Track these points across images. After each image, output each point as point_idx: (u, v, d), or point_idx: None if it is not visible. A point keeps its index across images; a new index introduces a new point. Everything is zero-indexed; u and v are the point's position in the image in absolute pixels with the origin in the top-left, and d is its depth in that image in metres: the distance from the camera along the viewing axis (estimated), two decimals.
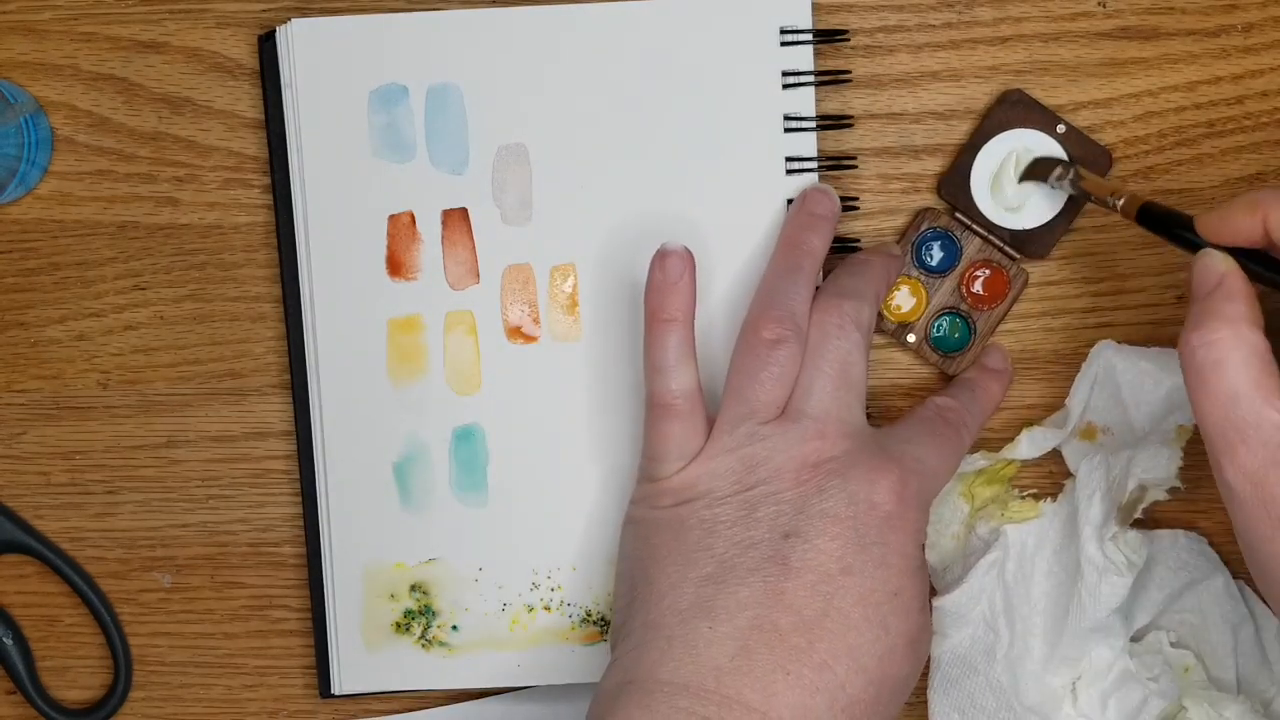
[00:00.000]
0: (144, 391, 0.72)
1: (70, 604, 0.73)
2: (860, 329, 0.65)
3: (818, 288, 0.67)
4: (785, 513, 0.62)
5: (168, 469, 0.72)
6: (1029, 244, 0.71)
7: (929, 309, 0.71)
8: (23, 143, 0.69)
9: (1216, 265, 0.59)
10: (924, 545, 0.64)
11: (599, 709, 0.62)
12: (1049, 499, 0.71)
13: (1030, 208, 0.70)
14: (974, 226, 0.70)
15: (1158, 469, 0.68)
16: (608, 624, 0.71)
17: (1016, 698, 0.70)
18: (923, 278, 0.71)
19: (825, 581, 0.61)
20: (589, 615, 0.71)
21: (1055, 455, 0.72)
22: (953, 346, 0.71)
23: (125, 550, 0.73)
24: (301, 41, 0.69)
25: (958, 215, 0.71)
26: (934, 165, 0.71)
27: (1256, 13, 0.71)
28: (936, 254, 0.71)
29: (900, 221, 0.72)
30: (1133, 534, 0.69)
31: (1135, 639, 0.71)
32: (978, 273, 0.71)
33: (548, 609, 0.71)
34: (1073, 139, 0.70)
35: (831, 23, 0.70)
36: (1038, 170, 0.69)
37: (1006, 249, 0.71)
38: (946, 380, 0.71)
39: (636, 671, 0.62)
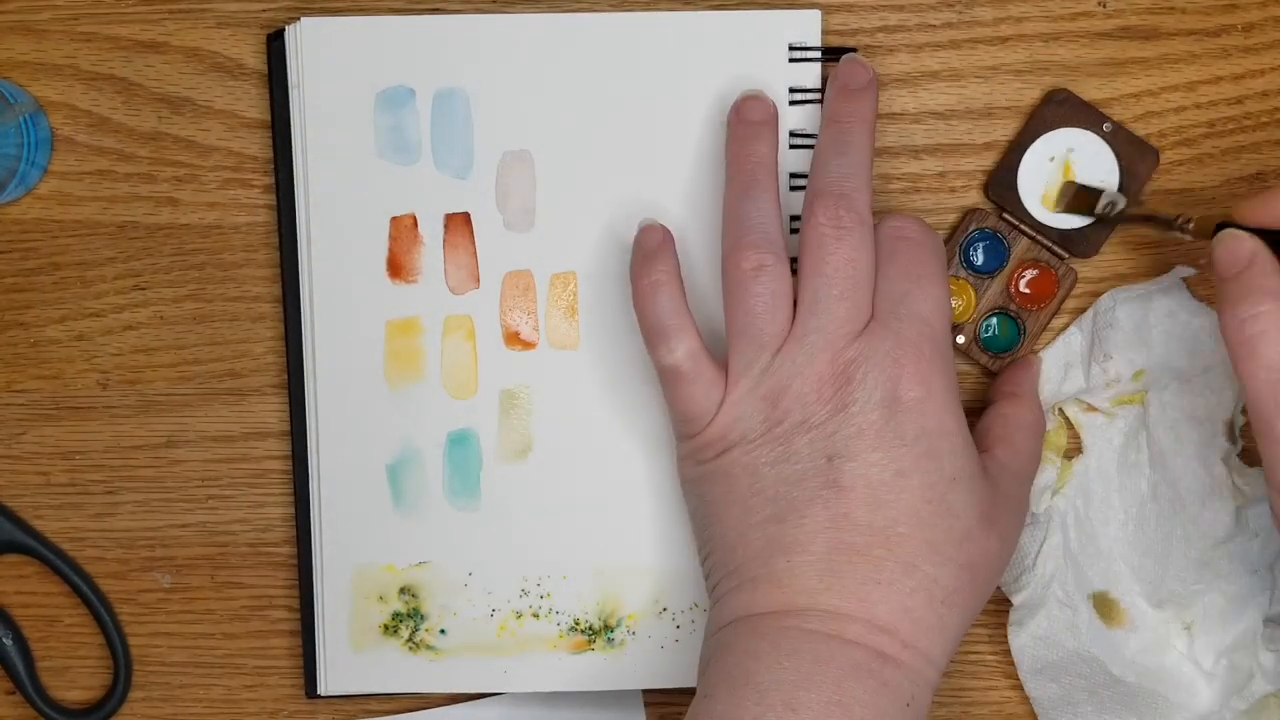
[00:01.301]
0: (144, 391, 0.72)
1: (70, 604, 0.73)
2: (858, 222, 0.64)
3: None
4: (820, 437, 0.62)
5: (167, 469, 0.72)
6: (1078, 243, 0.70)
7: (978, 309, 0.71)
8: (22, 143, 0.69)
9: (1245, 244, 0.61)
10: (960, 411, 0.64)
11: (709, 651, 0.64)
12: (1077, 456, 0.72)
13: None
14: (1022, 226, 0.70)
15: None
16: (596, 633, 0.71)
17: (1111, 662, 0.70)
18: (971, 278, 0.71)
19: (882, 490, 0.62)
20: (577, 624, 0.71)
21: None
22: (1002, 347, 0.71)
23: (125, 550, 0.73)
24: (310, 41, 0.69)
25: (1005, 216, 0.70)
26: (934, 165, 0.71)
27: (1257, 13, 0.71)
28: (981, 255, 0.71)
29: None
30: (1250, 470, 0.70)
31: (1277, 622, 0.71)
32: (1025, 272, 0.71)
33: (536, 616, 0.71)
34: (1120, 137, 0.70)
35: (832, 23, 0.70)
36: (1079, 203, 0.69)
37: (1055, 248, 0.70)
38: (991, 378, 0.71)
39: (734, 613, 0.63)
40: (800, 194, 0.69)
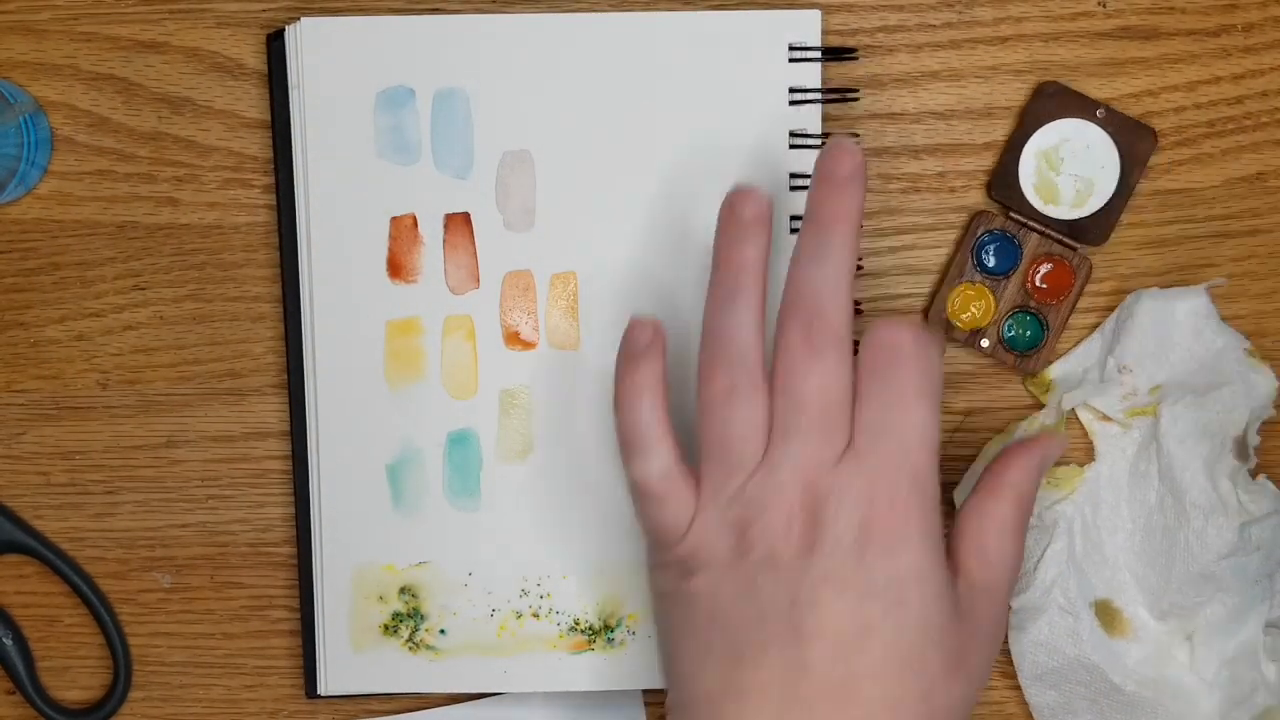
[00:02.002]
0: (143, 391, 0.72)
1: (70, 604, 0.73)
2: (834, 341, 0.60)
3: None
4: (786, 579, 0.59)
5: (167, 469, 0.72)
6: (1087, 231, 0.70)
7: (999, 311, 0.71)
8: (22, 143, 0.69)
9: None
10: (938, 549, 0.60)
11: None
12: (1089, 464, 0.72)
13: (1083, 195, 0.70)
14: (1029, 223, 0.70)
15: (1259, 394, 0.69)
16: (596, 633, 0.71)
17: (1111, 671, 0.70)
18: (987, 282, 0.71)
19: (845, 645, 0.58)
20: (577, 624, 0.71)
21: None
22: (1027, 344, 0.71)
23: (125, 550, 0.73)
24: (310, 41, 0.69)
25: (1012, 215, 0.70)
26: (933, 165, 0.71)
27: (1257, 13, 0.71)
28: (993, 257, 0.71)
29: (900, 221, 0.71)
30: (1259, 481, 0.70)
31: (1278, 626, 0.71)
32: (1040, 268, 0.71)
33: (536, 616, 0.71)
34: (1114, 121, 0.70)
35: (832, 23, 0.70)
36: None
37: (1065, 240, 0.70)
38: (1016, 375, 0.71)
39: None
40: (800, 194, 0.69)
